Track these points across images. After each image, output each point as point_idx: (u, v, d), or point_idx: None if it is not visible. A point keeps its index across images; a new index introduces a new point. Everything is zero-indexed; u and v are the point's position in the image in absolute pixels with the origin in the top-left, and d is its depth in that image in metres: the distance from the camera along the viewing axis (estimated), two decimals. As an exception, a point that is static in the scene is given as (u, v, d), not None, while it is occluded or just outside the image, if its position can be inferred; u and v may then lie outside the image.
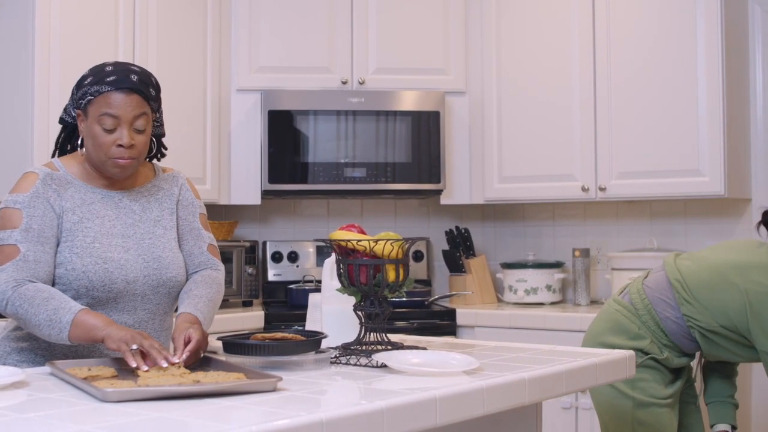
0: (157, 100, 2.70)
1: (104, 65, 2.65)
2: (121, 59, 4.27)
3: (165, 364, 2.23)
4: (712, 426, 3.36)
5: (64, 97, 3.83)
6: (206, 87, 4.79)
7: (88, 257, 2.56)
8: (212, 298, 2.72)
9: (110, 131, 2.57)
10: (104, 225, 2.63)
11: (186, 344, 2.38)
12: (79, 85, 2.65)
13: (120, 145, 2.57)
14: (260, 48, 4.91)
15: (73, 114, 2.70)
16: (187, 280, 2.78)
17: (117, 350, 2.31)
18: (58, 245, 2.59)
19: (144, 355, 2.27)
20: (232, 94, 4.90)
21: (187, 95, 4.66)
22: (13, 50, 4.20)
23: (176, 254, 2.74)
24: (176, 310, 2.68)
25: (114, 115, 2.56)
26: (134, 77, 2.60)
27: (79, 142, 2.68)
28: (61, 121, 2.76)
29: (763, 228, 3.25)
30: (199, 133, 4.74)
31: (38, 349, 2.61)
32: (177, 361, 2.28)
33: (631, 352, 2.69)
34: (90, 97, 2.59)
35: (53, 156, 2.78)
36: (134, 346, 2.28)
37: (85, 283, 2.55)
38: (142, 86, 2.61)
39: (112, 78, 2.58)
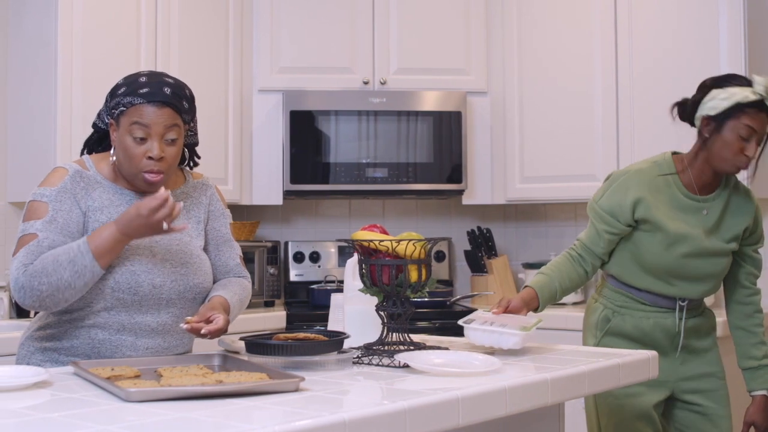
0: (190, 111, 2.70)
1: (138, 75, 2.65)
2: (142, 61, 4.30)
3: (181, 204, 2.50)
4: (750, 392, 3.30)
5: (87, 99, 3.86)
6: (228, 88, 4.80)
7: (115, 260, 2.57)
8: (242, 299, 2.78)
9: (141, 142, 2.57)
10: None
11: (208, 322, 2.51)
12: (113, 94, 2.65)
13: (150, 157, 2.58)
14: (282, 48, 4.92)
15: (107, 121, 2.71)
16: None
17: (158, 220, 2.46)
18: None
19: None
20: (254, 95, 4.91)
21: (209, 96, 4.67)
22: (36, 52, 4.22)
23: (203, 260, 2.75)
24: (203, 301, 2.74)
25: (145, 125, 2.56)
26: (167, 90, 2.60)
27: (112, 152, 2.67)
28: (94, 126, 2.77)
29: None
30: (221, 134, 4.75)
31: (61, 348, 2.62)
32: (190, 320, 2.49)
33: (654, 353, 2.68)
34: (122, 108, 2.59)
35: (82, 155, 2.79)
36: (165, 227, 2.47)
37: (111, 285, 2.56)
38: (175, 99, 2.61)
39: (145, 90, 2.58)
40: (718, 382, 3.32)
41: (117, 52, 4.24)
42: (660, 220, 3.16)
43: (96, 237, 2.48)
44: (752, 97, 3.03)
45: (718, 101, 3.09)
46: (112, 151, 2.67)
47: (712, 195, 3.23)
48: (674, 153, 3.31)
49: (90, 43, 4.17)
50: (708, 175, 3.21)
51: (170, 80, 2.64)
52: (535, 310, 3.13)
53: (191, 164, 2.89)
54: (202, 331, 2.48)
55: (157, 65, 4.37)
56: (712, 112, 3.10)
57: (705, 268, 3.21)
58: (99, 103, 2.80)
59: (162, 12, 4.46)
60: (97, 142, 2.79)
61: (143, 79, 2.62)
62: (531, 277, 4.93)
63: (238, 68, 4.85)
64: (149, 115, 2.56)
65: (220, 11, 4.77)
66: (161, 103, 2.57)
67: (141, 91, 2.58)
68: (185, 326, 2.49)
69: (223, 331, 2.54)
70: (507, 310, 2.97)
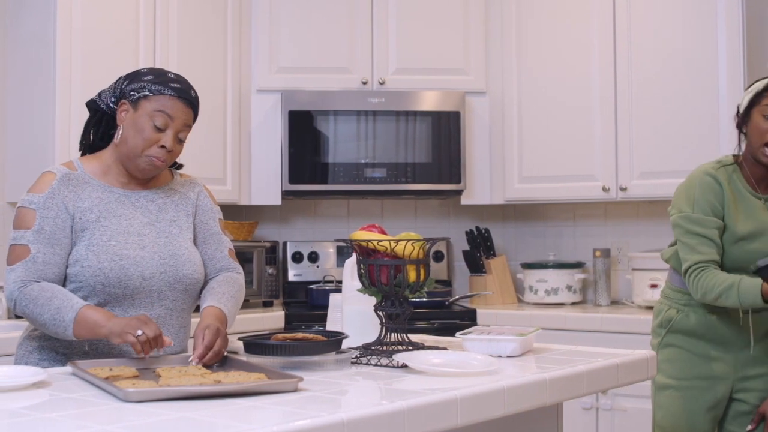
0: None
1: (166, 71, 2.74)
2: (141, 61, 4.30)
3: (161, 353, 2.40)
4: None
5: (85, 99, 3.84)
6: (227, 87, 4.80)
7: (104, 254, 2.59)
8: (234, 295, 2.77)
9: (158, 130, 2.64)
10: (121, 224, 2.66)
11: (204, 343, 2.44)
12: (135, 78, 2.70)
13: (162, 146, 2.64)
14: (280, 48, 4.92)
15: (111, 101, 2.73)
16: (205, 280, 2.82)
17: (123, 343, 2.39)
18: (74, 245, 2.62)
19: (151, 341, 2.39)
20: (253, 95, 4.91)
21: (207, 96, 4.65)
22: (35, 51, 4.22)
23: (192, 252, 2.76)
24: (198, 310, 2.72)
25: (169, 116, 2.64)
26: (193, 93, 2.72)
27: (119, 133, 2.69)
28: (93, 103, 2.77)
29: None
30: (220, 134, 4.75)
31: (59, 347, 2.63)
32: (194, 363, 2.37)
33: (652, 353, 2.69)
34: (147, 93, 2.65)
35: (82, 141, 2.80)
36: (139, 332, 2.36)
37: (101, 280, 2.58)
38: (197, 105, 2.74)
39: (176, 86, 2.68)
40: None
41: (116, 51, 4.24)
42: (729, 217, 3.22)
43: (90, 309, 2.48)
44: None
45: (745, 96, 3.27)
46: (119, 133, 2.68)
47: None
48: (734, 156, 3.35)
49: (89, 42, 4.17)
50: (759, 169, 3.27)
51: (194, 88, 2.75)
52: None
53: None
54: (206, 344, 2.43)
55: (155, 65, 4.36)
56: (742, 107, 3.27)
57: None
58: (98, 103, 2.81)
59: (161, 12, 4.46)
60: (96, 125, 2.79)
61: (172, 75, 2.72)
62: (530, 277, 4.96)
63: (237, 68, 4.84)
64: (175, 109, 2.65)
65: (219, 11, 4.77)
66: (188, 102, 2.69)
67: (172, 85, 2.67)
68: (195, 362, 2.45)
69: (217, 336, 2.47)
70: None
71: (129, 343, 2.37)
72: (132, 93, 2.67)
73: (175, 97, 2.66)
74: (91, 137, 2.80)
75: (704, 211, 3.20)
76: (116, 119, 2.72)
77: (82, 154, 2.81)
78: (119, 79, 2.75)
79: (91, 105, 2.79)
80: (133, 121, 2.65)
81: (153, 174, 2.73)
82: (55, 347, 2.64)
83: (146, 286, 2.63)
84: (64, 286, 2.61)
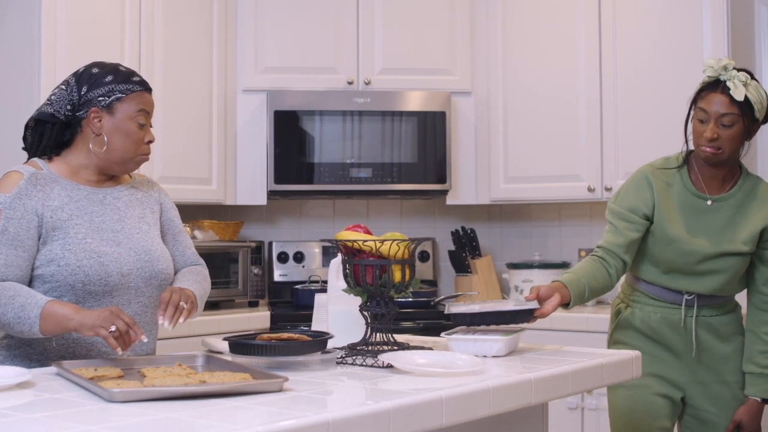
0: None
1: (116, 65, 2.73)
2: (126, 61, 4.29)
3: (145, 339, 2.39)
4: (745, 395, 3.25)
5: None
6: (212, 87, 4.79)
7: (81, 252, 2.58)
8: (199, 281, 2.81)
9: (142, 128, 2.68)
10: (93, 221, 2.65)
11: (165, 307, 2.53)
12: (94, 83, 2.66)
13: (149, 142, 2.71)
14: (266, 48, 4.91)
15: (66, 111, 2.66)
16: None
17: (95, 336, 2.37)
18: (43, 245, 2.58)
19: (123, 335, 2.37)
20: (238, 95, 4.90)
21: (192, 96, 4.66)
22: (20, 51, 4.20)
23: (164, 248, 2.79)
24: None
25: (147, 112, 2.70)
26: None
27: (99, 140, 2.65)
28: (52, 117, 2.67)
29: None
30: (205, 134, 4.74)
31: (33, 354, 2.60)
32: (163, 322, 2.50)
33: (637, 353, 2.69)
34: (120, 95, 2.66)
35: (44, 153, 2.71)
36: (113, 328, 2.34)
37: (81, 278, 2.56)
38: None
39: (137, 79, 2.71)
40: (733, 392, 3.28)
41: (100, 50, 4.22)
42: (662, 218, 3.21)
43: (56, 303, 2.45)
44: (705, 79, 3.17)
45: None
46: (101, 140, 2.64)
47: (726, 194, 3.24)
48: (690, 151, 3.31)
49: (73, 42, 4.15)
50: (709, 170, 3.24)
51: None
52: (566, 305, 3.04)
53: None
54: (166, 315, 2.52)
55: (141, 65, 4.36)
56: (688, 110, 3.25)
57: (710, 265, 3.19)
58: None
59: (146, 10, 4.45)
60: (54, 136, 2.69)
61: (123, 68, 2.73)
62: (515, 278, 4.97)
63: (222, 68, 4.84)
64: (149, 103, 2.72)
65: (205, 10, 4.76)
66: (150, 92, 2.74)
67: (135, 79, 2.71)
68: (165, 323, 2.51)
69: (175, 291, 2.58)
70: (538, 297, 2.93)
71: (102, 337, 2.35)
72: (101, 99, 2.64)
73: (144, 91, 2.71)
74: (51, 150, 2.71)
75: (621, 204, 3.26)
76: (80, 125, 2.67)
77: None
78: (70, 85, 2.68)
79: (50, 119, 2.67)
80: (115, 126, 2.65)
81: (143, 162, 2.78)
82: (28, 354, 2.60)
83: (124, 283, 2.63)
84: (32, 287, 2.56)
